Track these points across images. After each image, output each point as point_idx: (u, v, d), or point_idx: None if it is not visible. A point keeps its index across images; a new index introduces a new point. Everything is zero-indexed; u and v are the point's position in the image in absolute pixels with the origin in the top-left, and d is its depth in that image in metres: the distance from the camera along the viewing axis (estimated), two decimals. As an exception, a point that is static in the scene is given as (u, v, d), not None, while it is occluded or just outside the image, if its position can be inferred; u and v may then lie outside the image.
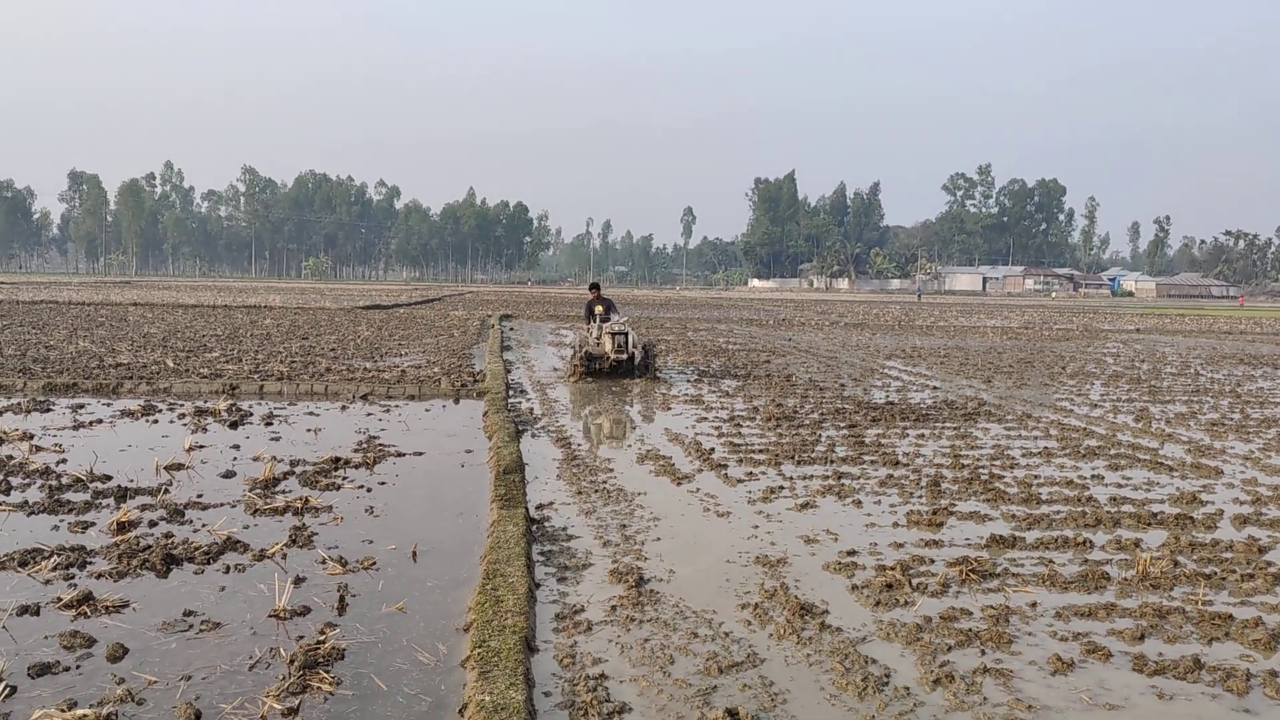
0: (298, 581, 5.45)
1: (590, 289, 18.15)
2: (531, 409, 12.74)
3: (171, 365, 15.79)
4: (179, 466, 8.40)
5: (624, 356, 15.71)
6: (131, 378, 13.95)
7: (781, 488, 8.23)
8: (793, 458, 9.50)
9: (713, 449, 9.92)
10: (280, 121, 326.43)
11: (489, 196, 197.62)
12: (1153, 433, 11.55)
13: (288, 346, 20.29)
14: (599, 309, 17.03)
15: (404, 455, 9.21)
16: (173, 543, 6.06)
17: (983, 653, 4.75)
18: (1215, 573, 5.99)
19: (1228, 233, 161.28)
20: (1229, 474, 9.10)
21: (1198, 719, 4.02)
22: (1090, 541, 6.67)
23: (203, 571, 5.64)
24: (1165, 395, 15.58)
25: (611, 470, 8.88)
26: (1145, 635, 4.98)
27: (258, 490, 7.56)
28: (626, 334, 15.93)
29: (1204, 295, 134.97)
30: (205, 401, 12.37)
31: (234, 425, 10.67)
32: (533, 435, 10.71)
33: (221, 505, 7.13)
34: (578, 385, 15.41)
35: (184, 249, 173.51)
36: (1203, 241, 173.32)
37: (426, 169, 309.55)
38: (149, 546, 5.95)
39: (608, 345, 15.73)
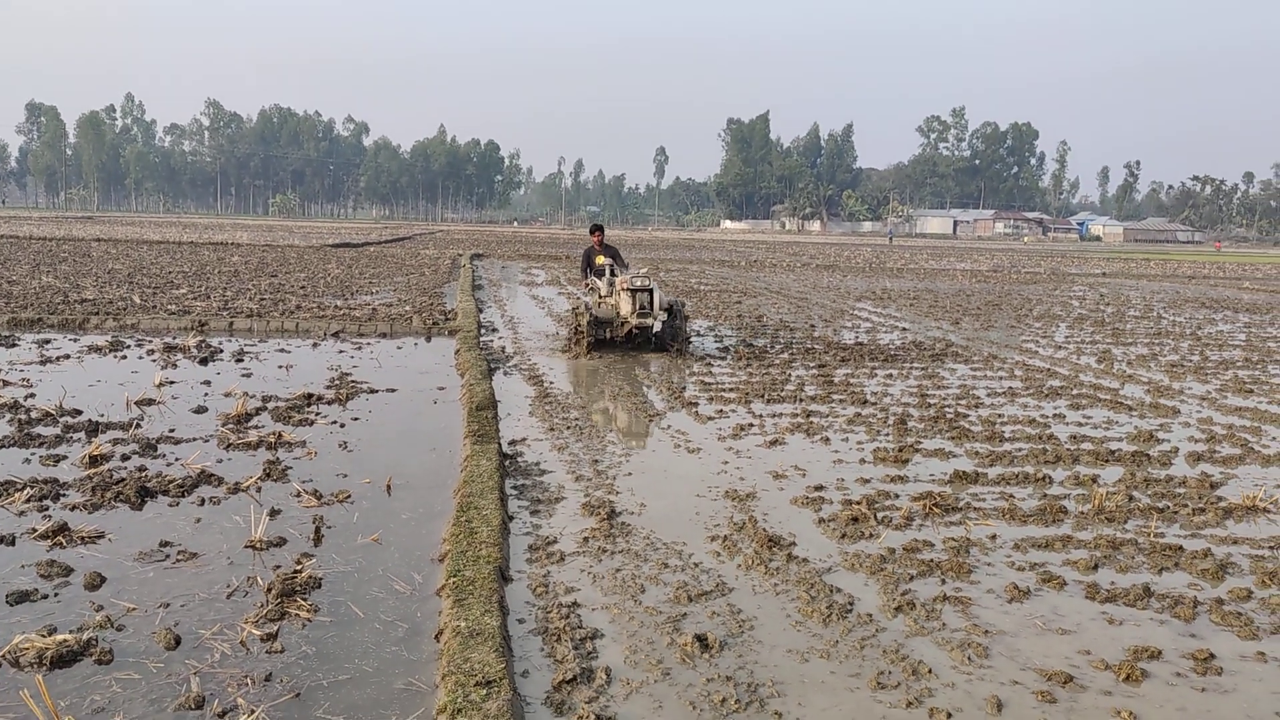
0: (273, 514, 5.51)
1: (591, 232, 14.15)
2: (504, 347, 12.77)
3: (138, 301, 15.63)
4: (150, 402, 8.39)
5: (648, 323, 11.80)
6: (98, 313, 13.81)
7: (751, 425, 8.35)
8: (762, 396, 9.62)
9: (684, 387, 10.03)
10: (245, 53, 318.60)
11: (460, 134, 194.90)
12: (1114, 374, 11.78)
13: (257, 284, 20.11)
14: (602, 259, 13.46)
15: (377, 392, 9.23)
16: (146, 476, 6.09)
17: (943, 582, 4.91)
18: (1168, 507, 6.19)
19: (1195, 178, 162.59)
20: (1185, 413, 9.33)
21: (1145, 643, 4.19)
22: (1050, 477, 6.85)
23: (177, 504, 5.68)
24: (1128, 338, 15.85)
25: (584, 407, 8.96)
26: (1099, 565, 5.16)
27: (230, 425, 7.57)
28: (651, 290, 11.91)
29: (1170, 240, 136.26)
30: (174, 338, 12.29)
31: (204, 361, 10.63)
32: (505, 373, 10.76)
33: (194, 440, 7.14)
34: (578, 360, 11.86)
35: (147, 184, 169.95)
36: (1170, 187, 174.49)
37: (396, 106, 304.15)
38: (123, 479, 5.97)
39: (624, 307, 11.91)
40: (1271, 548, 5.48)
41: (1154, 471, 7.10)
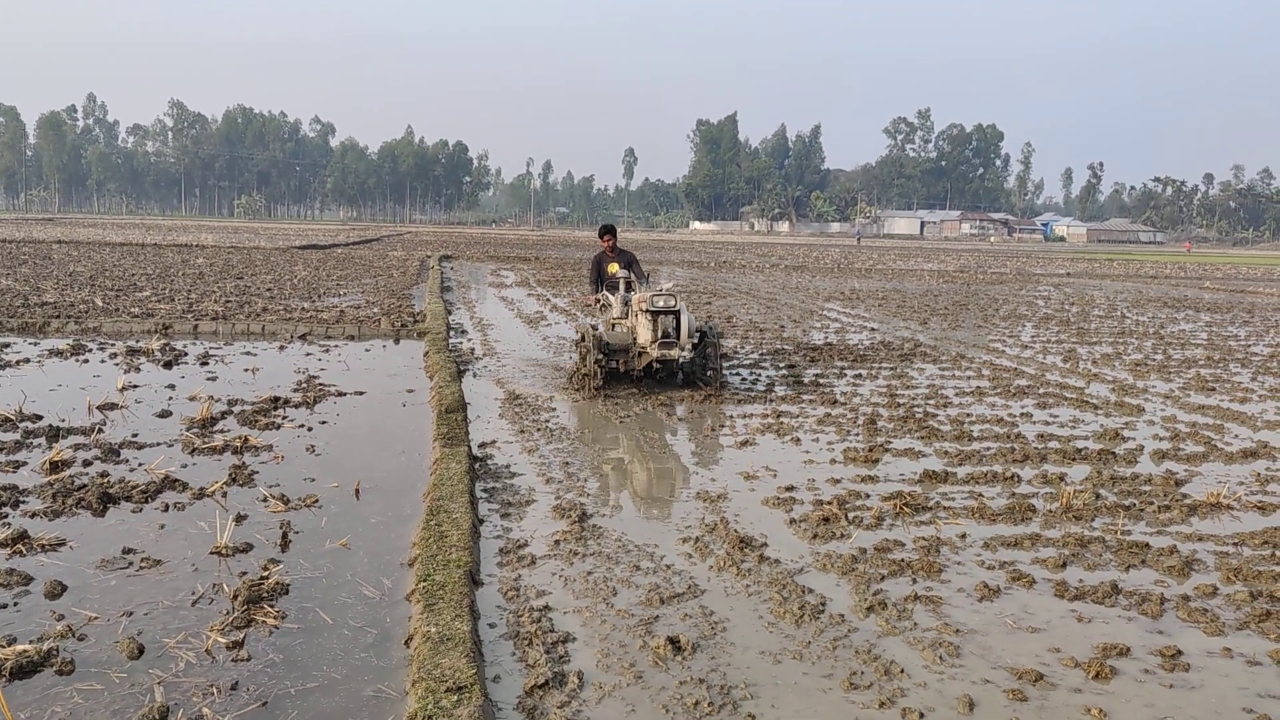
0: (239, 519, 5.42)
1: (601, 235, 11.24)
2: (473, 349, 12.70)
3: (100, 304, 15.39)
4: (112, 406, 8.25)
5: (672, 355, 9.33)
6: (59, 316, 13.58)
7: (722, 425, 8.35)
8: (734, 397, 9.63)
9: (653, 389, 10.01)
10: (208, 53, 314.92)
11: (428, 135, 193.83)
12: (1080, 373, 11.90)
13: (222, 286, 19.87)
14: (616, 268, 10.95)
15: (344, 395, 9.14)
16: (109, 482, 5.98)
17: (914, 581, 4.92)
18: (1134, 504, 6.25)
19: (1157, 179, 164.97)
20: (1150, 411, 9.44)
21: (1114, 640, 4.23)
22: (1018, 476, 6.90)
23: (141, 510, 5.58)
24: (1092, 337, 16.03)
25: (554, 410, 8.92)
26: (1067, 563, 5.20)
27: (195, 429, 7.46)
28: (676, 313, 9.37)
29: (1132, 241, 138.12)
30: (137, 341, 12.11)
31: (168, 365, 10.48)
32: (474, 375, 10.70)
33: (158, 445, 7.03)
34: (581, 399, 9.44)
35: (109, 185, 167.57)
36: (1133, 188, 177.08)
37: (363, 107, 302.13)
38: (84, 486, 5.86)
39: (643, 333, 9.45)
40: (1235, 544, 5.55)
41: (1120, 469, 7.18)
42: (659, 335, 9.31)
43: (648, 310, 9.32)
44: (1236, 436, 8.40)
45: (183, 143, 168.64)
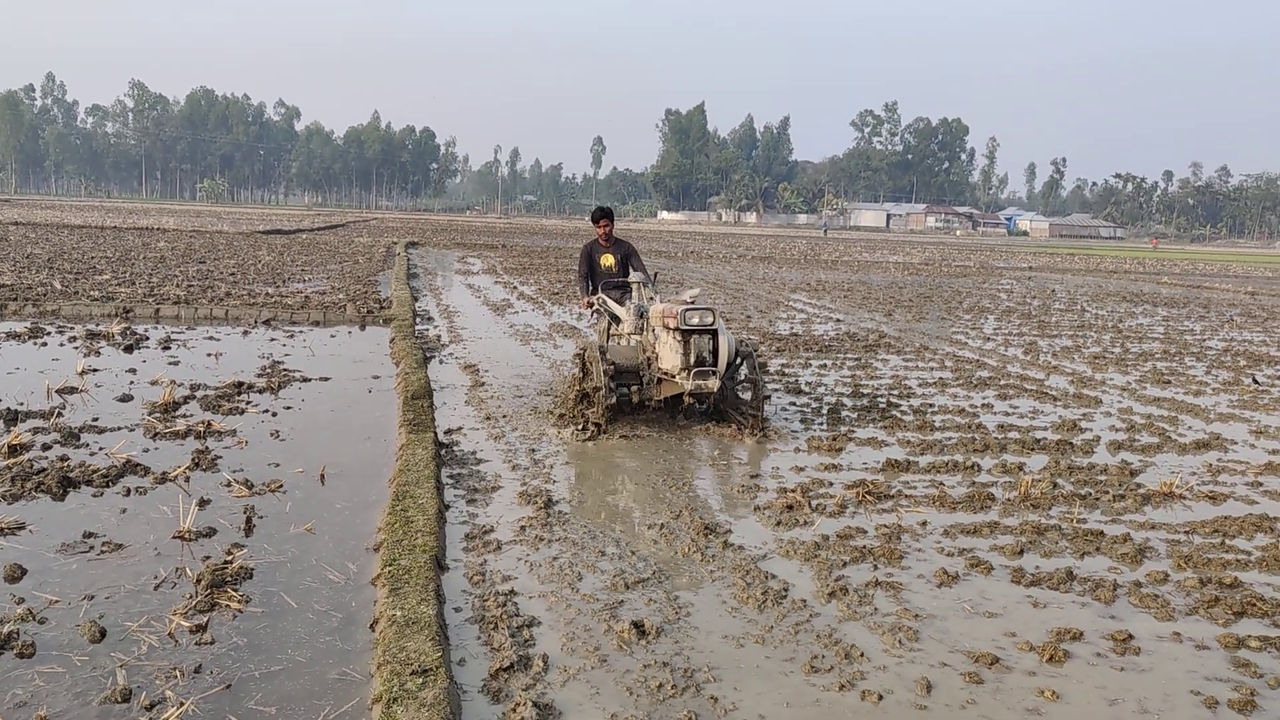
0: (202, 504, 5.39)
1: (595, 221, 9.30)
2: (439, 335, 12.66)
3: (59, 287, 15.15)
4: (72, 390, 8.15)
5: (711, 387, 7.32)
6: (16, 299, 13.35)
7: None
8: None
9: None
10: (171, 35, 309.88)
11: (394, 121, 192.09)
12: (1040, 365, 12.09)
13: (184, 270, 19.63)
14: (610, 260, 9.23)
15: (309, 380, 9.09)
16: (69, 466, 5.92)
17: (875, 568, 5.00)
18: (1090, 494, 6.38)
19: (1118, 175, 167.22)
20: (1107, 403, 9.62)
21: (1067, 624, 4.33)
22: (978, 465, 7.01)
23: (102, 494, 5.53)
24: (1053, 330, 16.27)
25: (520, 397, 8.93)
26: (1024, 550, 5.30)
27: (157, 414, 7.39)
28: (715, 332, 7.38)
29: (1093, 236, 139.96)
30: (97, 324, 11.94)
31: (129, 349, 10.35)
32: (440, 361, 10.67)
33: (119, 429, 6.96)
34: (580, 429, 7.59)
35: (68, 167, 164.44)
36: (1094, 184, 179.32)
37: (329, 91, 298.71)
38: (43, 469, 5.80)
39: (670, 356, 7.44)
40: (1187, 532, 5.68)
41: (1077, 459, 7.31)
42: (692, 360, 7.22)
43: (678, 329, 7.22)
44: (1190, 428, 8.58)
45: (143, 124, 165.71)
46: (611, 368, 7.54)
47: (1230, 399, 10.11)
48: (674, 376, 7.43)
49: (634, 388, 7.77)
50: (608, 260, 9.28)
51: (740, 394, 8.02)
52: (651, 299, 8.33)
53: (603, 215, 9.35)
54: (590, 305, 9.09)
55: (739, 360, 7.75)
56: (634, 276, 8.56)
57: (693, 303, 7.42)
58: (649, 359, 7.72)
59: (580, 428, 7.52)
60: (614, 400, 7.53)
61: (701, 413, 8.23)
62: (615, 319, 8.60)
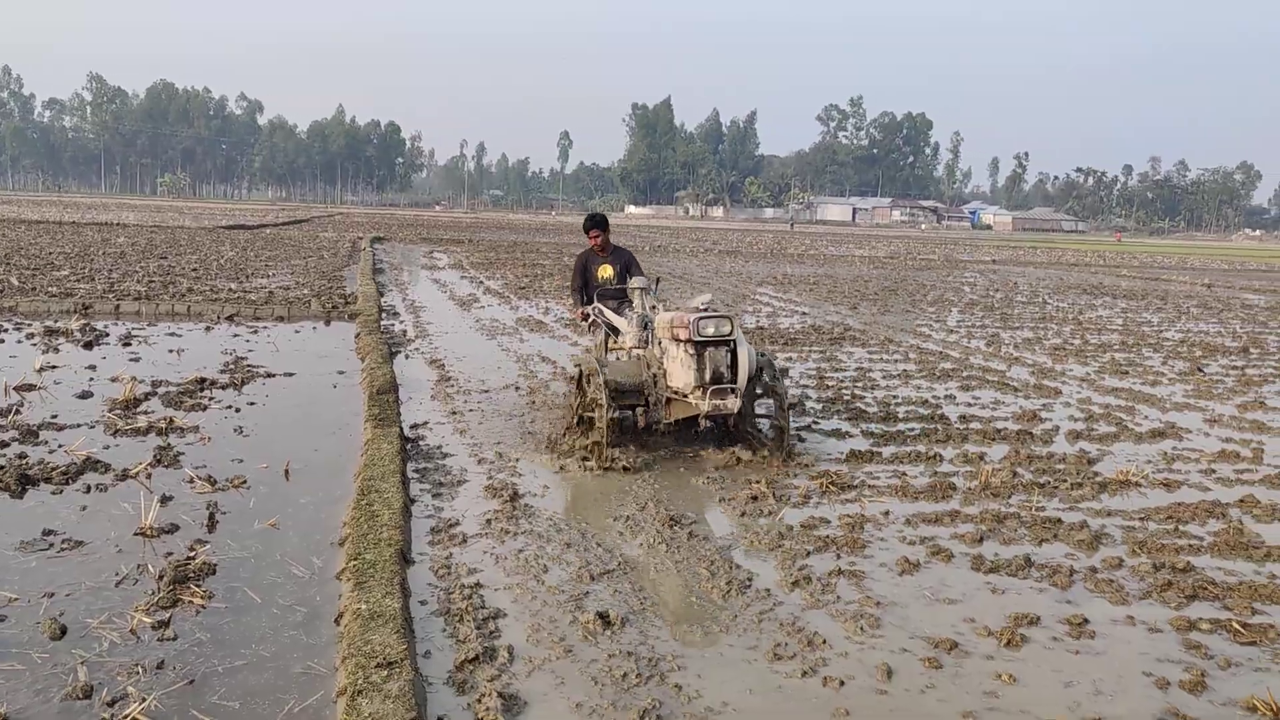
0: (164, 500, 5.35)
1: (587, 230, 8.39)
2: (405, 331, 12.61)
3: (16, 283, 14.91)
4: (30, 387, 8.04)
5: (730, 407, 6.41)
6: (-28, 296, 13.13)
7: (654, 407, 8.43)
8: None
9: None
10: (132, 27, 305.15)
11: (359, 115, 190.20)
12: (1002, 356, 12.25)
13: (145, 266, 19.38)
14: (608, 271, 8.38)
15: (274, 376, 9.02)
16: (27, 463, 5.85)
17: (838, 557, 5.06)
18: (1049, 482, 6.49)
19: (1079, 169, 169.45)
20: (1067, 394, 9.77)
21: (1025, 610, 4.41)
22: (940, 455, 7.11)
23: (61, 492, 5.47)
24: (1015, 322, 16.48)
25: (487, 392, 8.92)
26: (984, 538, 5.39)
27: (118, 411, 7.32)
28: (730, 343, 6.47)
29: (1055, 229, 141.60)
30: (56, 321, 11.77)
31: (89, 346, 10.22)
32: (406, 356, 10.64)
33: (79, 426, 6.88)
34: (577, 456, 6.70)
35: (24, 161, 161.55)
36: (1056, 178, 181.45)
37: (292, 84, 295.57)
38: (2, 467, 5.72)
39: (681, 373, 6.48)
40: (1142, 519, 5.80)
41: (1036, 449, 7.43)
42: (707, 377, 6.33)
43: (690, 340, 6.32)
44: (1146, 418, 8.74)
45: (102, 118, 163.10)
46: (612, 387, 6.55)
47: (1185, 389, 10.30)
48: (686, 396, 6.45)
49: (638, 409, 6.89)
50: (605, 272, 8.33)
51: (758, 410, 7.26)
52: (654, 307, 7.36)
53: (594, 225, 8.30)
54: (585, 317, 8.23)
55: (759, 373, 6.79)
56: (635, 281, 7.66)
57: (706, 310, 6.49)
58: (655, 376, 6.73)
59: (582, 457, 6.56)
60: (615, 414, 6.55)
61: (715, 435, 7.31)
62: (614, 331, 7.78)
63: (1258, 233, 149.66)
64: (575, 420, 7.02)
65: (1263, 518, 5.90)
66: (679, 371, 6.49)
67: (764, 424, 7.28)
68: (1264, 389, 10.45)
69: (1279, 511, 6.00)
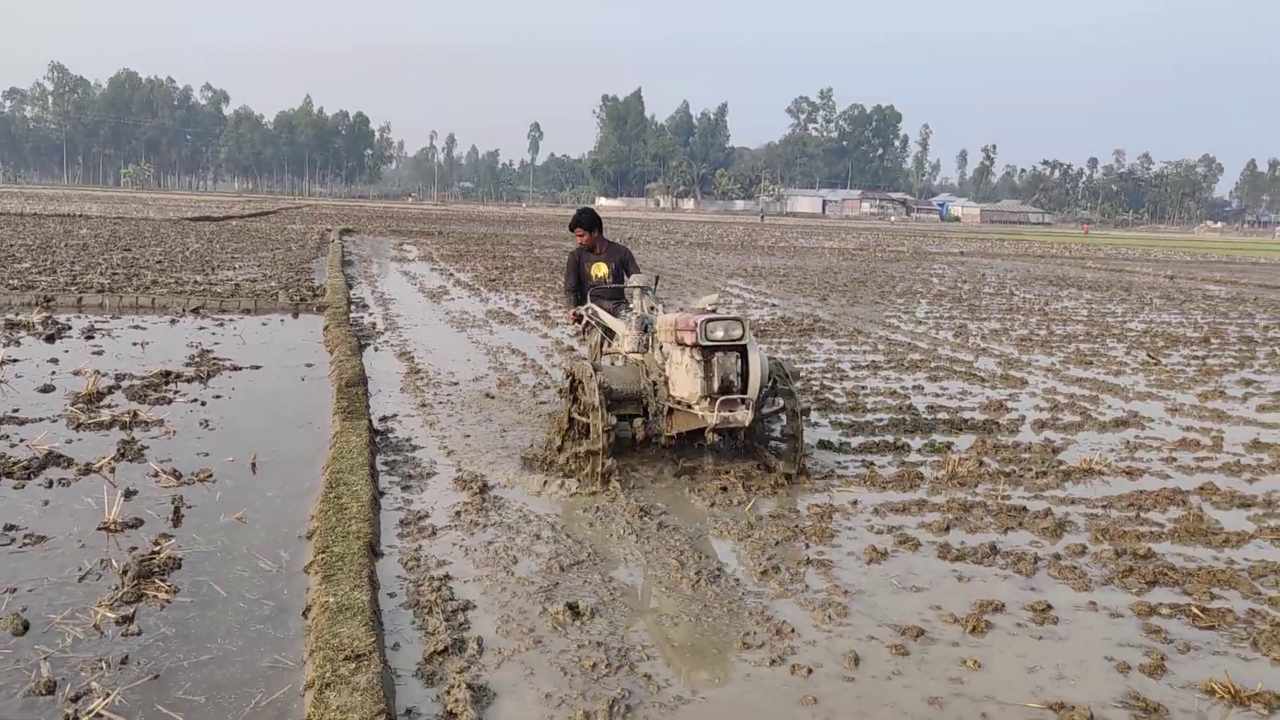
0: (128, 495, 5.29)
1: (573, 228, 7.85)
2: (374, 323, 12.53)
3: (-24, 276, 14.66)
4: (-10, 381, 7.92)
5: (741, 420, 5.80)
6: (-70, 289, 12.90)
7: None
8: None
9: (556, 365, 10.05)
10: (92, 16, 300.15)
11: (327, 106, 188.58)
12: (969, 347, 12.36)
13: (108, 258, 19.11)
14: (602, 269, 7.88)
15: (240, 369, 8.94)
16: (-12, 458, 5.77)
17: (807, 546, 5.10)
18: (1014, 471, 6.57)
19: (1045, 162, 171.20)
20: (1033, 384, 9.88)
21: (990, 597, 4.46)
22: (908, 445, 7.17)
23: (23, 486, 5.40)
24: (982, 313, 16.63)
25: (456, 384, 8.89)
26: (950, 527, 5.44)
27: (81, 404, 7.22)
28: (743, 349, 6.01)
29: (1022, 221, 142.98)
30: (16, 314, 11.59)
31: (50, 339, 10.07)
32: (375, 349, 10.57)
33: (41, 420, 6.78)
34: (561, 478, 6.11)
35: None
36: (1023, 170, 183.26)
37: (258, 75, 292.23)
38: (-39, 462, 5.64)
39: (686, 381, 5.94)
40: (1104, 506, 5.88)
41: (1002, 438, 7.51)
42: (716, 386, 5.83)
43: (696, 345, 5.79)
44: (1110, 407, 8.86)
45: (64, 108, 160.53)
46: (606, 392, 6.01)
47: (1148, 378, 10.44)
48: (691, 406, 5.90)
49: (637, 421, 6.27)
50: (599, 270, 7.85)
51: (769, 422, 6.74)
52: (653, 308, 6.94)
53: (579, 223, 7.76)
54: (578, 317, 7.64)
55: (774, 380, 6.22)
56: (634, 279, 7.16)
57: (714, 311, 5.97)
58: (655, 383, 6.20)
59: (580, 478, 5.92)
60: (609, 462, 5.86)
61: (719, 448, 6.70)
62: (609, 333, 7.25)
63: (1219, 225, 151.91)
64: (565, 432, 6.41)
65: (1221, 505, 6.01)
66: (683, 379, 5.93)
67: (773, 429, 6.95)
68: (1224, 378, 10.62)
69: (1237, 498, 6.11)
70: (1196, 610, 4.39)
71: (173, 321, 11.83)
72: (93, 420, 6.78)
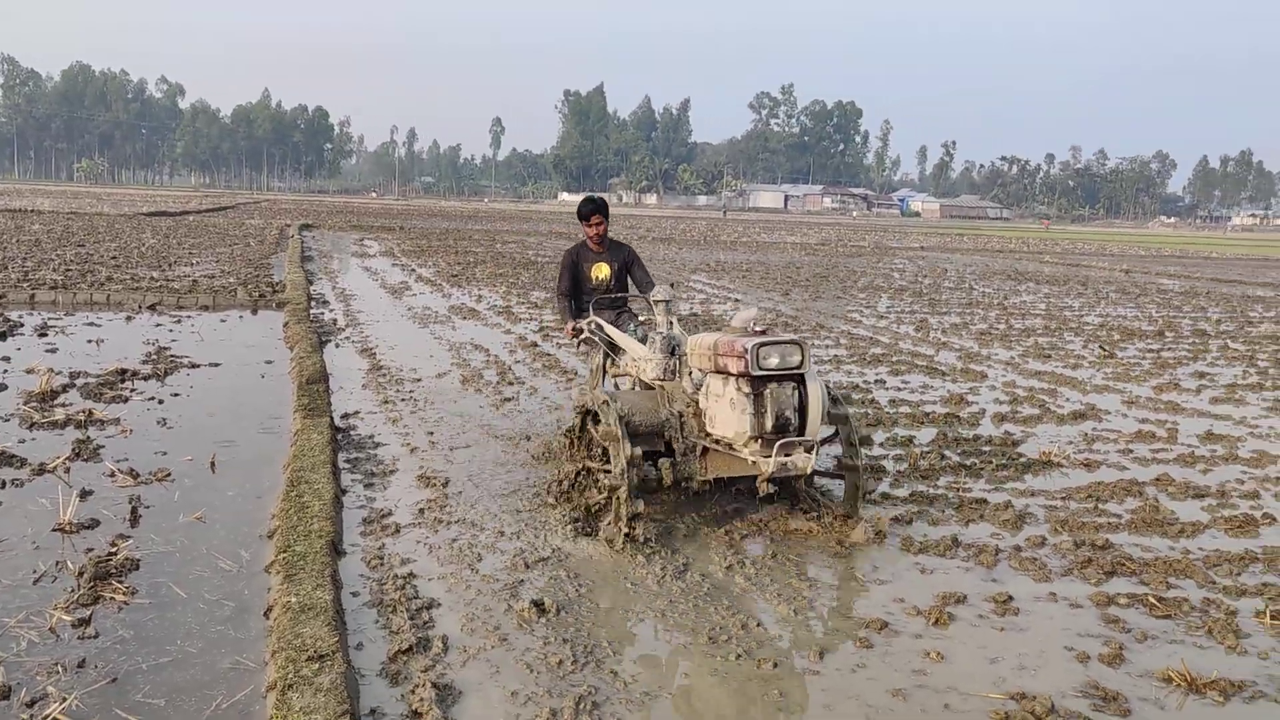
0: (84, 495, 5.19)
1: (584, 217, 6.89)
2: (335, 319, 12.40)
3: (-77, 272, 14.32)
4: (-61, 380, 7.73)
5: (803, 466, 4.76)
6: (-125, 285, 12.58)
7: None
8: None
9: (519, 360, 10.02)
10: (46, 7, 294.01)
11: (285, 99, 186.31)
12: (930, 341, 12.48)
13: (61, 254, 18.75)
14: (604, 270, 6.91)
15: (199, 366, 8.81)
16: (-63, 459, 5.63)
17: (772, 540, 5.12)
18: (975, 464, 6.64)
19: (1004, 158, 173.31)
20: (992, 377, 9.99)
21: (952, 589, 4.51)
22: (871, 439, 7.22)
23: (-26, 488, 5.28)
24: (943, 307, 16.80)
25: (419, 380, 8.82)
26: (913, 520, 5.49)
27: (34, 403, 7.07)
28: (801, 379, 4.83)
29: (981, 216, 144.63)
30: (-34, 311, 11.34)
31: (2, 336, 9.86)
32: (336, 345, 10.47)
33: (-8, 420, 6.64)
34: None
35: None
36: (982, 166, 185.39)
37: (215, 68, 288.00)
38: (-91, 464, 5.51)
39: (731, 417, 4.81)
40: (1063, 498, 5.96)
41: (963, 431, 7.59)
42: (769, 424, 4.75)
43: (744, 374, 4.72)
44: (1067, 400, 8.98)
45: (15, 101, 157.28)
46: (622, 425, 4.96)
47: (1105, 371, 10.60)
48: (737, 448, 4.89)
49: (664, 463, 5.12)
50: (600, 271, 6.87)
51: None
52: (670, 324, 5.89)
53: (594, 209, 6.80)
54: (577, 333, 6.57)
55: (836, 412, 5.27)
56: (657, 292, 5.90)
57: (764, 332, 4.86)
58: (681, 415, 5.23)
59: (610, 537, 4.90)
60: (635, 509, 4.80)
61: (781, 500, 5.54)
62: (613, 350, 6.33)
63: (1172, 220, 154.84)
64: (569, 484, 5.47)
65: (1177, 495, 6.12)
66: (726, 415, 4.85)
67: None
68: (1178, 371, 10.81)
69: (1192, 489, 6.22)
70: (1153, 600, 4.46)
71: (128, 318, 11.63)
72: (46, 419, 6.65)
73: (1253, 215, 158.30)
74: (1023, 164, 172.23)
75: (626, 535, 4.84)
